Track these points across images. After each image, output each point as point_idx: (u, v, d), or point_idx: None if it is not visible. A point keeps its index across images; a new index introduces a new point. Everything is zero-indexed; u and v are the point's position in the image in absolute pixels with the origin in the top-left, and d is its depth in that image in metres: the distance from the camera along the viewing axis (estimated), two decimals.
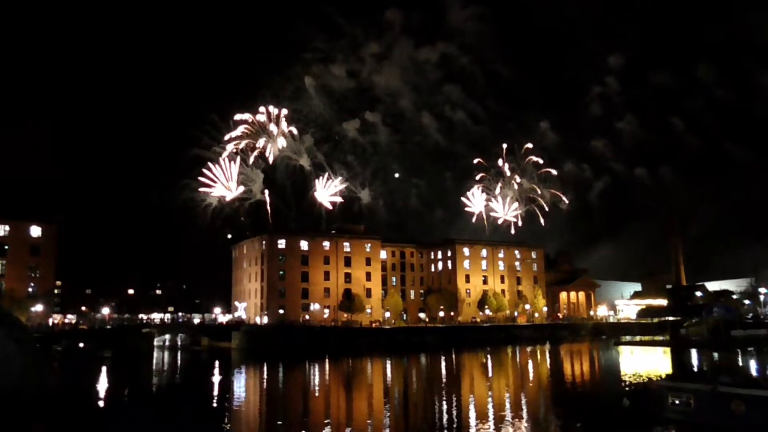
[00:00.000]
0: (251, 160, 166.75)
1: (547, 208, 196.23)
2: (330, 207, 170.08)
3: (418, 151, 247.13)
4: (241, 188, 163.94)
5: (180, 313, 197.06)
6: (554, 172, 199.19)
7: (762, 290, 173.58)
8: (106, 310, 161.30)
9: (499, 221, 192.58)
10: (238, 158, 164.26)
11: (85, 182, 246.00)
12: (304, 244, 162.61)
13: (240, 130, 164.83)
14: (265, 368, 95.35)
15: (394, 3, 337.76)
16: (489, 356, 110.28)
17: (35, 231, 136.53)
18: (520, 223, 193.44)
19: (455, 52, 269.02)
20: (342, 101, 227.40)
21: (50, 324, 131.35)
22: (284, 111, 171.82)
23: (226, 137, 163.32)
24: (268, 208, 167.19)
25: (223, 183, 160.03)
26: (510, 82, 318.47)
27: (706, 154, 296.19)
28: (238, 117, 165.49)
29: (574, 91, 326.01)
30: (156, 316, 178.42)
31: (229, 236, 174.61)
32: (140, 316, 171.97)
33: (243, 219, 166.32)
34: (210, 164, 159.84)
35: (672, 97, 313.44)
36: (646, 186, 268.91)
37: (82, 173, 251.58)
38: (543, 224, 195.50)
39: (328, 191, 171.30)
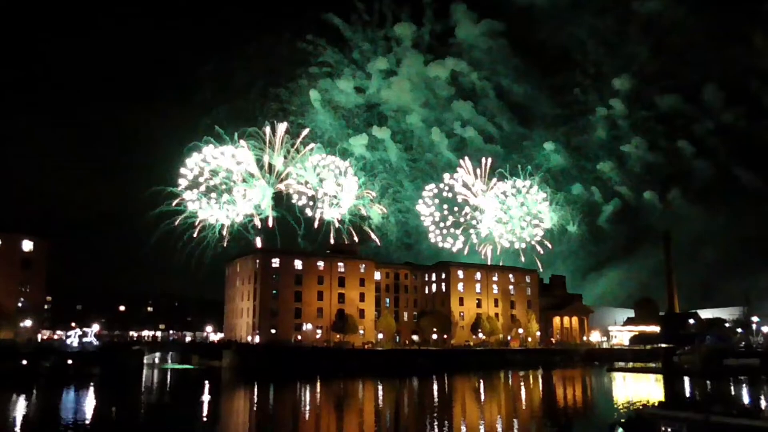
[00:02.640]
0: (256, 176, 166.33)
1: (553, 232, 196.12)
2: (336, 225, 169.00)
3: (429, 168, 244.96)
4: (247, 205, 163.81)
5: (171, 331, 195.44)
6: (560, 196, 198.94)
7: (754, 319, 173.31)
8: (96, 327, 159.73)
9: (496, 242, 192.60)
10: (243, 174, 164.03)
11: (79, 196, 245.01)
12: (298, 264, 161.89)
13: (244, 146, 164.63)
14: (255, 388, 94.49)
15: (403, 17, 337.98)
16: (481, 380, 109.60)
17: (27, 245, 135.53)
18: (520, 246, 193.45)
19: (465, 69, 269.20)
20: (349, 117, 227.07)
21: (39, 340, 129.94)
22: (288, 126, 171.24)
23: (231, 154, 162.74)
24: (265, 224, 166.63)
25: (226, 198, 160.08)
26: (519, 100, 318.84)
27: (716, 178, 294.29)
28: (242, 132, 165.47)
29: (581, 113, 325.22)
30: (147, 334, 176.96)
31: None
32: (130, 333, 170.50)
33: (253, 235, 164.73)
34: (214, 179, 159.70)
35: (680, 120, 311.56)
36: (656, 210, 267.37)
37: (76, 187, 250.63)
38: (550, 248, 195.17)
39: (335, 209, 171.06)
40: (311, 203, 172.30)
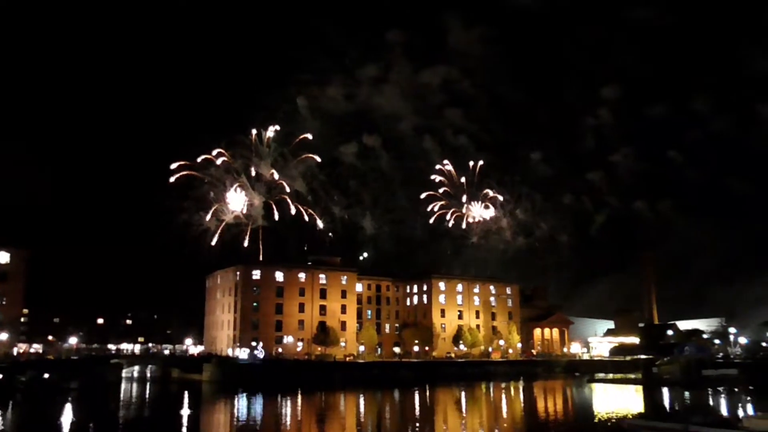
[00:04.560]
0: (244, 184, 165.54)
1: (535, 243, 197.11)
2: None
3: (422, 177, 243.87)
4: (235, 214, 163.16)
5: (150, 344, 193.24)
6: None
7: (732, 330, 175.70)
8: (73, 340, 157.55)
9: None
10: (229, 182, 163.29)
11: (57, 206, 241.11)
12: (279, 276, 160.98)
13: (230, 152, 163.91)
14: (236, 402, 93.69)
15: (394, 24, 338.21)
16: (463, 392, 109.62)
17: (3, 257, 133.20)
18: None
19: (457, 76, 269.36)
20: (338, 124, 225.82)
21: (15, 353, 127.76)
22: (276, 133, 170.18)
23: (218, 161, 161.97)
24: (250, 233, 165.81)
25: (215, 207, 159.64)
26: (511, 107, 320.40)
27: (707, 188, 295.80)
28: (228, 138, 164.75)
29: (570, 122, 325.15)
30: (126, 347, 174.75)
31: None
32: (109, 346, 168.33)
33: (245, 245, 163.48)
34: (200, 188, 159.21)
35: (669, 129, 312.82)
36: (647, 219, 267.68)
37: (55, 196, 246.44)
38: (543, 258, 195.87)
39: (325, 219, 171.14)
40: (300, 212, 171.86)
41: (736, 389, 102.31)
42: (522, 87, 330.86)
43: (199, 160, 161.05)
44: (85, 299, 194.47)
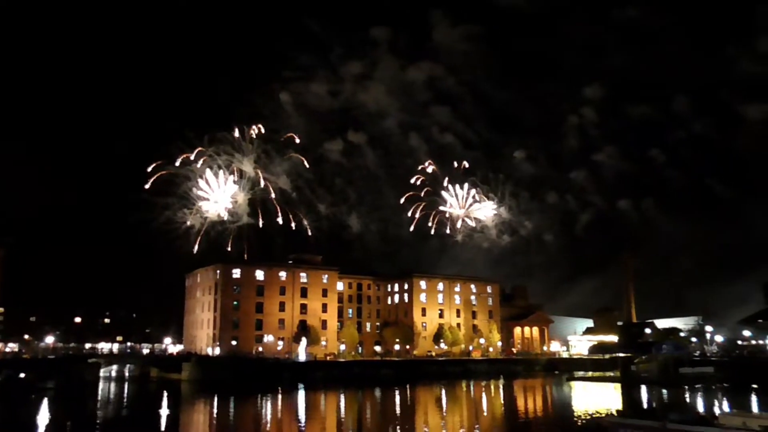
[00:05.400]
0: (227, 181, 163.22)
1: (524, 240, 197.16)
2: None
3: (408, 175, 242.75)
4: (219, 212, 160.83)
5: (129, 343, 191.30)
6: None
7: (708, 328, 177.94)
8: (50, 339, 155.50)
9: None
10: (211, 180, 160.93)
11: (35, 203, 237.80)
12: (259, 274, 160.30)
13: (213, 149, 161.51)
14: (215, 401, 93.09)
15: (379, 20, 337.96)
16: (444, 390, 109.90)
17: None
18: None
19: (442, 73, 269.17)
20: (323, 121, 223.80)
21: None
22: (259, 130, 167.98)
23: (199, 163, 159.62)
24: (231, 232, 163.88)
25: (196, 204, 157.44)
26: (496, 105, 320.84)
27: (689, 188, 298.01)
28: (211, 135, 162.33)
29: (555, 120, 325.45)
30: (104, 346, 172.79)
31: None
32: (87, 345, 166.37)
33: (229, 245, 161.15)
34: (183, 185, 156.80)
35: (652, 129, 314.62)
36: (631, 219, 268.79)
37: (33, 193, 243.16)
38: (528, 257, 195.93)
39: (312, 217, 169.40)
40: (284, 211, 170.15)
41: (712, 387, 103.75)
42: (507, 85, 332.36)
43: (180, 157, 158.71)
44: (63, 297, 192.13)
